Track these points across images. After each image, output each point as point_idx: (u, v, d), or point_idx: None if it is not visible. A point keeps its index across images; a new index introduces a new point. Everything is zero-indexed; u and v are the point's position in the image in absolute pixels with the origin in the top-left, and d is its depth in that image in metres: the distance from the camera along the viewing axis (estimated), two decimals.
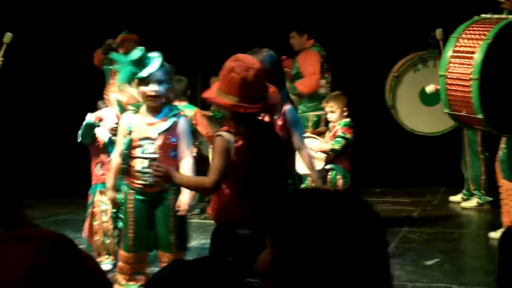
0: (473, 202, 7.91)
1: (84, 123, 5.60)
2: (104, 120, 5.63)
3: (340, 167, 6.47)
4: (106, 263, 5.65)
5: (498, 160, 6.38)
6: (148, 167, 4.66)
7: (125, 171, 4.85)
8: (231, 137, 3.80)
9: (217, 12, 10.01)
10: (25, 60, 9.87)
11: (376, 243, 1.61)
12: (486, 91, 5.50)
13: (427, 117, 8.01)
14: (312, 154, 6.41)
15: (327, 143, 6.49)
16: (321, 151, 6.40)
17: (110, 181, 5.05)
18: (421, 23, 8.28)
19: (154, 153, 4.74)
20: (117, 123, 5.28)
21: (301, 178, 6.97)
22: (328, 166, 6.47)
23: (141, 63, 4.77)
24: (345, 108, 6.51)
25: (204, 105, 7.41)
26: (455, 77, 5.67)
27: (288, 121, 4.61)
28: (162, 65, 4.77)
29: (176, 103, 5.17)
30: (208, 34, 9.99)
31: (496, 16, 5.80)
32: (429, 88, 7.18)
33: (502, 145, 6.36)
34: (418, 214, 7.85)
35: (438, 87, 6.36)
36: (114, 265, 5.43)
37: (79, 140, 5.71)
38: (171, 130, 4.77)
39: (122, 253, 4.97)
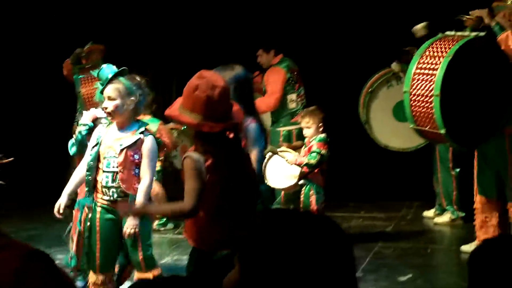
0: (445, 218, 7.95)
1: (76, 134, 5.40)
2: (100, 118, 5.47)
3: (314, 182, 6.47)
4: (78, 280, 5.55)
5: (474, 175, 6.49)
6: (113, 181, 4.63)
7: (90, 184, 4.78)
8: (200, 157, 3.75)
9: (194, 23, 10.01)
10: None
11: (342, 263, 1.63)
12: (447, 106, 5.60)
13: (401, 132, 8.04)
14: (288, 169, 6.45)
15: (303, 157, 6.51)
16: (296, 164, 6.41)
17: (68, 187, 4.90)
18: (394, 38, 8.36)
19: (117, 168, 4.69)
20: None
21: (273, 192, 7.01)
22: (301, 182, 6.47)
23: (103, 79, 4.76)
24: (320, 124, 6.52)
25: None
26: (418, 93, 5.77)
27: (248, 138, 4.60)
28: (111, 81, 4.73)
29: (141, 116, 5.10)
30: (184, 45, 9.99)
31: (459, 33, 5.91)
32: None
33: (475, 160, 6.46)
34: (392, 229, 7.88)
35: None
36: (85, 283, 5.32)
37: (72, 153, 5.51)
38: (135, 147, 4.69)
39: (90, 273, 4.91)
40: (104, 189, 4.71)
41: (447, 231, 7.81)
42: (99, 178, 4.72)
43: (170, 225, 7.92)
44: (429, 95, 5.65)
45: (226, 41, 9.66)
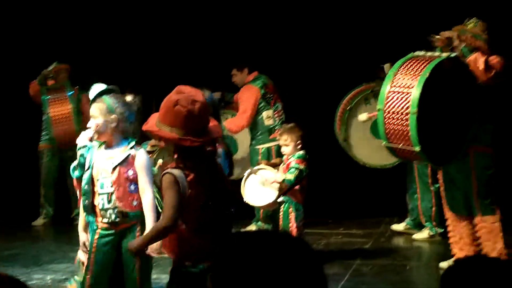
0: (424, 234, 7.98)
1: (78, 157, 5.11)
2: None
3: (293, 199, 6.47)
4: None
5: (441, 192, 6.61)
6: (109, 202, 4.59)
7: (88, 208, 4.71)
8: (179, 172, 3.77)
9: (172, 44, 10.04)
10: None
11: (313, 283, 1.64)
12: (421, 125, 5.71)
13: (379, 149, 8.04)
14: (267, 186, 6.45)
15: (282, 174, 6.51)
16: (275, 182, 6.41)
17: (81, 221, 4.84)
18: (370, 55, 8.43)
19: (111, 187, 4.65)
20: None
21: (254, 209, 7.02)
22: (280, 199, 6.47)
23: (91, 99, 4.78)
24: (298, 141, 6.53)
25: None
26: (393, 111, 5.85)
27: None
28: (94, 100, 4.72)
29: None
30: (163, 67, 10.00)
31: (429, 53, 6.08)
32: (362, 117, 7.36)
33: (440, 179, 6.61)
34: (370, 246, 7.88)
35: (370, 115, 6.82)
36: None
37: (75, 176, 5.39)
38: (127, 163, 4.64)
39: None
40: (102, 212, 4.64)
41: (425, 248, 7.84)
42: (95, 201, 4.67)
43: None
44: (405, 112, 5.74)
45: (203, 62, 9.70)
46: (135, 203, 4.63)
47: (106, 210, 4.62)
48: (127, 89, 5.25)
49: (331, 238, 8.22)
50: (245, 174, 6.56)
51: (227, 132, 7.89)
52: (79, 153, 5.07)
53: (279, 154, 7.13)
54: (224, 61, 8.67)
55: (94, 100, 4.74)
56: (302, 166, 6.43)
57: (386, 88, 5.95)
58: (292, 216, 6.45)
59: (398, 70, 5.95)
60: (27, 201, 9.60)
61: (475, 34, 6.30)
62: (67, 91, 9.16)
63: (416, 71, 5.82)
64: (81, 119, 9.12)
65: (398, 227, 8.35)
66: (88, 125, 4.73)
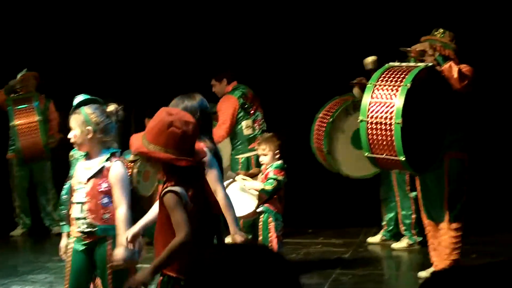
0: (403, 243, 8.01)
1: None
2: None
3: (272, 209, 6.48)
4: None
5: (419, 200, 6.68)
6: (81, 212, 4.58)
7: (65, 218, 4.71)
8: (182, 189, 3.78)
9: (151, 54, 10.04)
10: None
11: None
12: (404, 133, 5.80)
13: (361, 160, 8.04)
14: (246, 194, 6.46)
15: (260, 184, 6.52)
16: (254, 189, 6.42)
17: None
18: (346, 66, 8.50)
19: (85, 198, 4.62)
20: None
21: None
22: (259, 209, 6.48)
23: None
24: (277, 151, 6.54)
25: None
26: (375, 122, 5.92)
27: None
28: (73, 111, 4.71)
29: None
30: (143, 78, 10.00)
31: (405, 64, 6.23)
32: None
33: (418, 186, 6.64)
34: (349, 255, 7.89)
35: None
36: None
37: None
38: (101, 176, 4.59)
39: None
40: (75, 221, 4.63)
41: (404, 257, 7.87)
42: (71, 211, 4.67)
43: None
44: (389, 123, 5.83)
45: (183, 71, 9.71)
46: (106, 216, 4.57)
47: (78, 219, 4.61)
48: (109, 98, 5.23)
49: (310, 248, 8.23)
50: (225, 183, 6.55)
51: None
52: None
53: (259, 164, 7.12)
54: (205, 71, 8.67)
55: (73, 111, 4.73)
56: (280, 177, 6.45)
57: (367, 99, 6.03)
58: (272, 226, 6.46)
59: (377, 81, 6.03)
60: (4, 211, 9.53)
61: (444, 44, 6.44)
62: (34, 101, 9.08)
63: (396, 81, 5.92)
64: (48, 127, 9.10)
65: (375, 239, 8.38)
66: (68, 136, 4.72)
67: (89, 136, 4.65)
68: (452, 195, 6.35)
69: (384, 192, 8.22)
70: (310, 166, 8.85)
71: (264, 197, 6.43)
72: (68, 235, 4.79)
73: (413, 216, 7.87)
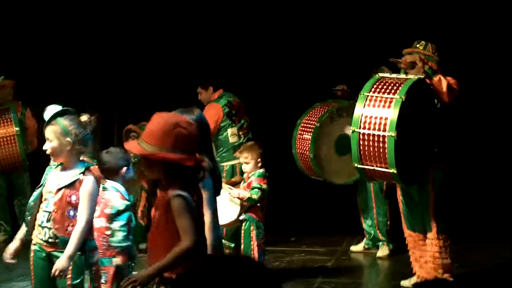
0: (385, 251, 8.03)
1: None
2: None
3: (254, 217, 6.48)
4: None
5: (401, 212, 6.69)
6: (47, 221, 4.57)
7: (29, 224, 4.69)
8: (188, 194, 3.76)
9: (135, 57, 10.03)
10: None
11: None
12: (397, 146, 5.82)
13: (342, 166, 8.06)
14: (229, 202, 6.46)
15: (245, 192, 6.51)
16: (238, 198, 6.42)
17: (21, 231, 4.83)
18: (329, 75, 8.54)
19: (52, 207, 4.59)
20: None
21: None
22: (242, 217, 6.48)
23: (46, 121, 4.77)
24: (259, 159, 6.54)
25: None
26: (368, 133, 5.94)
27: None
28: (49, 122, 4.69)
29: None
30: (125, 79, 9.98)
31: (394, 75, 6.28)
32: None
33: (400, 197, 6.65)
34: (332, 264, 7.89)
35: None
36: None
37: None
38: (72, 187, 4.60)
39: None
40: (39, 228, 4.65)
41: (387, 265, 7.88)
42: (38, 216, 4.66)
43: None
44: (382, 135, 5.86)
45: (169, 80, 9.71)
46: (70, 229, 4.56)
47: (43, 227, 4.62)
48: (87, 105, 5.22)
49: (293, 256, 8.23)
50: None
51: None
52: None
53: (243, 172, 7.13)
54: (191, 79, 8.69)
55: (49, 122, 4.71)
56: (264, 186, 6.45)
57: (360, 110, 6.05)
58: (254, 234, 6.46)
59: (370, 92, 6.05)
60: None
61: (427, 56, 6.44)
62: (11, 112, 9.01)
63: (389, 93, 5.94)
64: (25, 134, 9.05)
65: (357, 248, 8.39)
66: (44, 148, 4.70)
67: (68, 148, 4.64)
68: (437, 205, 6.37)
69: (362, 201, 8.25)
70: (292, 174, 8.86)
71: (247, 205, 6.43)
72: (25, 242, 4.78)
73: (389, 222, 7.93)
